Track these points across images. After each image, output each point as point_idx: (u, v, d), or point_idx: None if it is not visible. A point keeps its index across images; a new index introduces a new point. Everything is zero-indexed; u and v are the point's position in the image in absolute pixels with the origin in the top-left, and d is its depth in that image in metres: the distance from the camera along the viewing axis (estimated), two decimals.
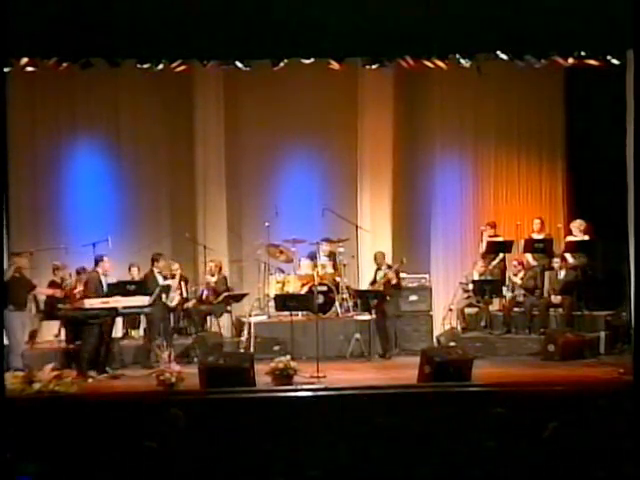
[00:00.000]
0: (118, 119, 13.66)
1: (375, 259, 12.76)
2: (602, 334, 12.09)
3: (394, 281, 12.40)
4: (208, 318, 12.87)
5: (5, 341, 10.49)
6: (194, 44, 10.75)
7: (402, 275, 12.62)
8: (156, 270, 12.11)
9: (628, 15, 8.58)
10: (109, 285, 11.54)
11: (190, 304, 12.70)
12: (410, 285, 12.86)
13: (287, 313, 11.93)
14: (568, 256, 12.73)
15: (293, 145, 13.94)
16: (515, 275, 12.88)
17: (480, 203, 13.96)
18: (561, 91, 13.67)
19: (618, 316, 12.07)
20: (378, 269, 12.65)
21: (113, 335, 11.64)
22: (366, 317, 12.49)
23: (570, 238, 12.77)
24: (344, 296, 13.00)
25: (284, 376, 10.21)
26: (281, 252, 13.27)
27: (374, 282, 12.62)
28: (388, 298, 12.38)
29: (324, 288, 12.74)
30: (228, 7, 10.29)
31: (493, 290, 12.86)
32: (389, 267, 12.53)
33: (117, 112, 13.64)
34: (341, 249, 13.37)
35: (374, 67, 11.64)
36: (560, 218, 13.72)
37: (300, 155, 13.99)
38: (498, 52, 11.07)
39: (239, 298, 12.98)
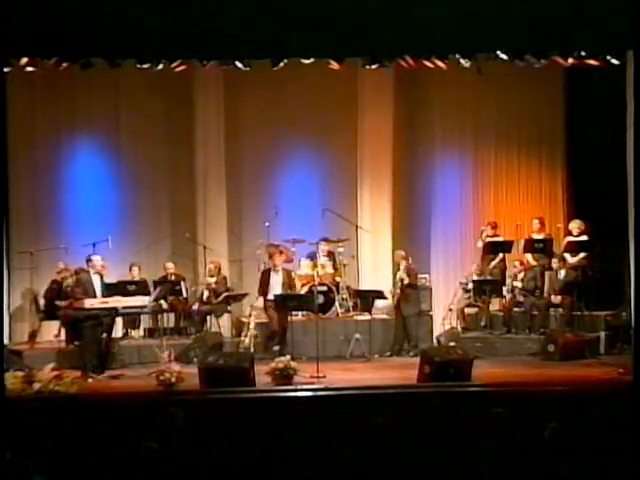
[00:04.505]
0: (118, 119, 13.65)
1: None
2: (602, 334, 12.08)
3: (406, 281, 12.39)
4: (208, 318, 12.88)
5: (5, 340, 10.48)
6: (194, 44, 10.75)
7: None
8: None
9: (628, 15, 8.57)
10: (108, 285, 11.53)
11: (195, 306, 12.76)
12: None
13: None
14: (568, 256, 12.73)
15: (293, 145, 13.93)
16: (515, 277, 12.86)
17: (480, 203, 13.96)
18: (561, 91, 13.66)
19: (618, 316, 12.07)
20: (398, 269, 12.65)
21: (113, 335, 11.63)
22: (366, 317, 12.50)
23: (570, 238, 12.77)
24: (344, 296, 13.01)
25: (284, 376, 10.21)
26: (281, 252, 13.27)
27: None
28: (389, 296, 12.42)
29: (324, 288, 12.75)
30: (228, 7, 10.30)
31: (493, 290, 12.87)
32: (408, 265, 12.52)
33: (117, 112, 13.63)
34: (341, 249, 13.39)
35: (374, 67, 11.64)
36: (560, 218, 13.72)
37: (300, 155, 13.98)
38: (498, 52, 11.08)
39: (239, 298, 12.99)
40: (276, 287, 12.31)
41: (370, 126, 13.76)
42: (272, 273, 12.40)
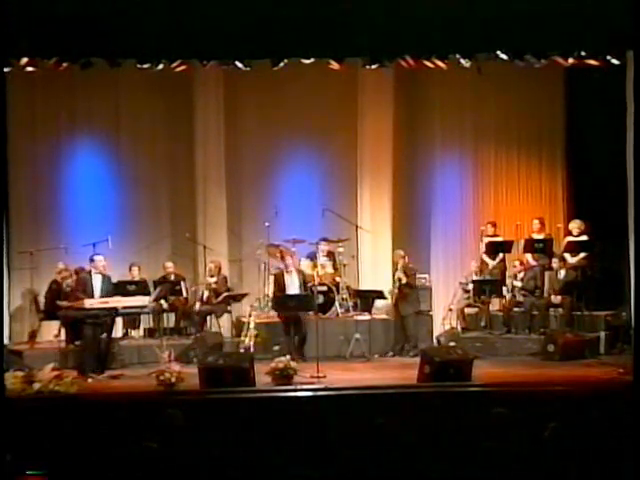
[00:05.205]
0: (118, 119, 13.65)
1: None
2: (602, 334, 12.09)
3: (404, 280, 12.39)
4: (208, 318, 12.88)
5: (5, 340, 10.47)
6: (194, 44, 10.75)
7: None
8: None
9: (628, 15, 8.57)
10: (113, 285, 11.52)
11: (197, 306, 12.76)
12: None
13: None
14: (568, 256, 12.73)
15: (293, 145, 13.93)
16: (515, 277, 12.86)
17: (480, 203, 13.96)
18: (561, 91, 13.67)
19: (618, 316, 12.07)
20: (396, 269, 12.65)
21: (113, 335, 11.63)
22: (366, 317, 12.50)
23: (570, 238, 12.77)
24: (344, 296, 13.01)
25: (284, 376, 10.21)
26: (281, 252, 13.26)
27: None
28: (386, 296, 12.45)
29: (324, 288, 12.75)
30: (228, 7, 10.30)
31: (493, 290, 12.87)
32: (405, 264, 12.51)
33: (117, 112, 13.63)
34: (341, 249, 13.39)
35: (374, 67, 11.63)
36: (560, 218, 13.72)
37: (300, 155, 13.98)
38: (498, 52, 11.07)
39: (239, 298, 12.99)
40: (292, 289, 12.31)
41: (370, 126, 13.76)
42: (286, 275, 12.43)
